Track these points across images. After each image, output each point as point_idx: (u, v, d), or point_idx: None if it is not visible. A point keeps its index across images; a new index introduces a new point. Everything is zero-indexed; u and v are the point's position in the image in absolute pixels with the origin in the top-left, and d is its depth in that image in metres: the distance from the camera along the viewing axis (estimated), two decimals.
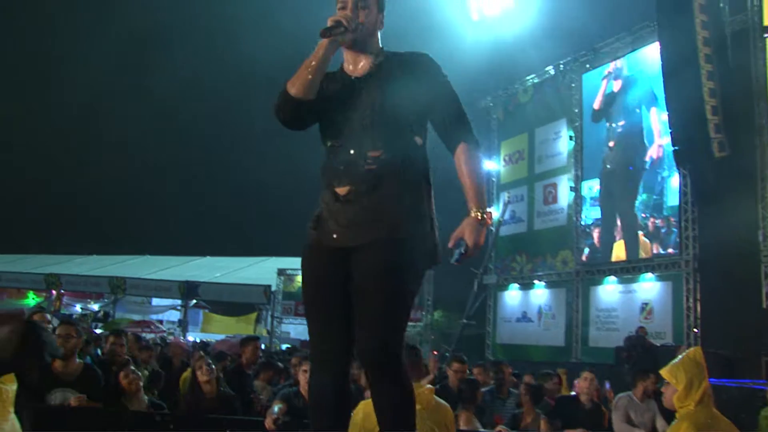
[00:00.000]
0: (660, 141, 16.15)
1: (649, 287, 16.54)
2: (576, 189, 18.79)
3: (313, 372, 2.64)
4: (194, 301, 23.34)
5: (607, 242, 17.66)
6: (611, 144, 17.81)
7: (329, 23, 2.56)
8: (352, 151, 2.55)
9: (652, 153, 16.48)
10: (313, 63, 2.54)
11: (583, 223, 18.52)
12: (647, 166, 16.66)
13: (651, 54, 16.25)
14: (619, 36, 17.88)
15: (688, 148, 14.03)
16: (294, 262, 21.94)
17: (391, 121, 2.57)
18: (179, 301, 23.41)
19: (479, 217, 2.53)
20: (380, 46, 2.74)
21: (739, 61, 13.98)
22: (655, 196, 16.42)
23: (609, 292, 17.72)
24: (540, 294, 20.16)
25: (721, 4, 14.42)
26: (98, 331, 16.41)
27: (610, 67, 18.14)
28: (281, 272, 21.73)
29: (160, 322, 25.42)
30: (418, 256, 2.55)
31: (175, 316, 25.06)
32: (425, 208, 2.62)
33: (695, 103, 13.40)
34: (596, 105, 18.45)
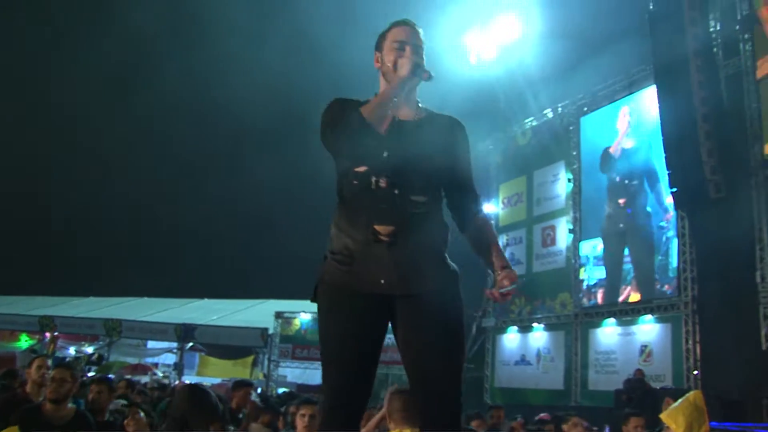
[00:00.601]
0: (666, 215, 16.12)
1: (648, 329, 16.42)
2: (574, 231, 18.82)
3: (329, 417, 2.56)
4: (191, 344, 23.06)
5: (613, 299, 17.45)
6: (621, 201, 17.55)
7: (411, 65, 2.59)
8: (396, 191, 2.52)
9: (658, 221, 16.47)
10: (395, 99, 2.57)
11: (587, 284, 18.36)
12: (651, 219, 16.62)
13: (650, 100, 16.24)
14: (617, 79, 18.05)
15: (686, 189, 14.10)
16: (291, 305, 21.81)
17: (432, 171, 2.59)
18: (175, 344, 23.14)
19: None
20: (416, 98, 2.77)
21: (733, 104, 14.16)
22: (660, 257, 16.29)
23: (608, 334, 17.59)
24: (539, 337, 20.02)
25: (715, 50, 14.68)
26: (91, 374, 16.19)
27: (624, 115, 17.99)
28: (279, 315, 21.54)
29: (155, 365, 25.10)
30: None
31: (170, 359, 24.71)
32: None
33: (692, 144, 13.53)
34: (613, 150, 18.08)
